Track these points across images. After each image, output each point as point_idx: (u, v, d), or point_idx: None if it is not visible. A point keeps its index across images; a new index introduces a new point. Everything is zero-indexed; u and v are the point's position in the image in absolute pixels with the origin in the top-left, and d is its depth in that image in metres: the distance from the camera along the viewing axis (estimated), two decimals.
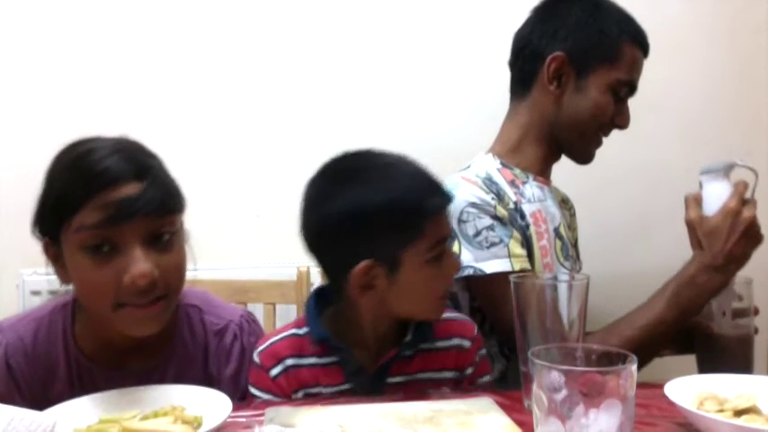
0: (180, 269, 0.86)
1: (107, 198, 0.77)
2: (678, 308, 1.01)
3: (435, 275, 0.89)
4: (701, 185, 1.01)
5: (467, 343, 0.98)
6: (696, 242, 1.01)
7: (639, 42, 1.17)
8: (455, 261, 0.94)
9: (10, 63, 1.55)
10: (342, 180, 0.89)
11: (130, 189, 0.78)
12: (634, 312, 1.05)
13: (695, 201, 1.00)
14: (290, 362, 0.93)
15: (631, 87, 1.18)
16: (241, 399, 0.93)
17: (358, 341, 0.93)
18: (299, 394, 0.93)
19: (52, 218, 0.81)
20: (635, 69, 1.17)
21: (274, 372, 0.93)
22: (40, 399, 0.81)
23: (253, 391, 0.94)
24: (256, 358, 0.94)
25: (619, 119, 1.18)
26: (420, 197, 0.88)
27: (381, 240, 0.86)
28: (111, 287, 0.79)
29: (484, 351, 1.01)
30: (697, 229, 0.99)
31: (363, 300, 0.89)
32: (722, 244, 0.97)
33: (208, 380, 0.91)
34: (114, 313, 0.81)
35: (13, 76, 1.55)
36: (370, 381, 0.93)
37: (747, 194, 0.98)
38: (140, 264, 0.78)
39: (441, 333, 0.97)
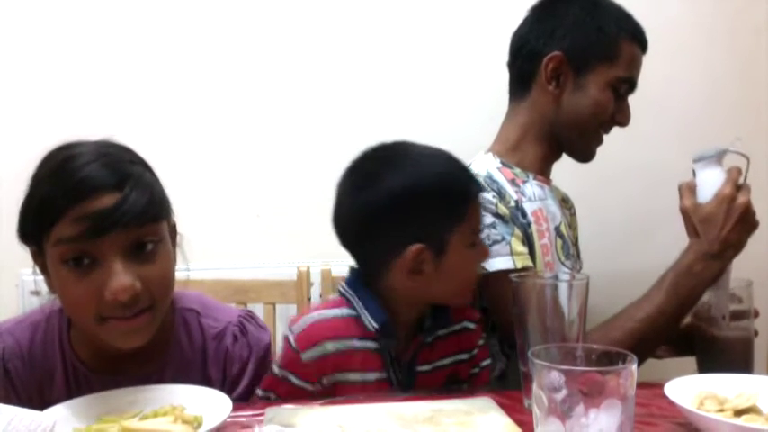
0: (164, 279, 0.83)
1: (84, 210, 0.75)
2: (677, 297, 1.01)
3: (473, 260, 0.94)
4: (693, 173, 1.01)
5: (472, 325, 1.00)
6: (692, 230, 1.01)
7: (638, 39, 1.17)
8: (486, 247, 0.98)
9: (9, 64, 1.55)
10: (389, 164, 0.90)
11: (108, 200, 0.75)
12: (634, 305, 1.05)
13: (689, 189, 1.01)
14: (329, 346, 0.90)
15: (631, 84, 1.18)
16: (244, 398, 0.92)
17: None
18: (325, 381, 0.91)
19: (34, 228, 0.79)
20: (634, 66, 1.17)
21: (307, 355, 0.90)
22: (36, 403, 0.81)
23: (276, 369, 0.92)
24: (291, 338, 0.91)
25: (619, 116, 1.18)
26: (464, 182, 0.92)
27: (431, 223, 0.88)
28: (92, 301, 0.77)
29: (484, 334, 1.04)
30: (692, 217, 1.00)
31: (410, 284, 0.90)
32: (718, 231, 0.97)
33: (206, 383, 0.90)
34: (98, 326, 0.79)
35: (12, 78, 1.55)
36: (404, 370, 0.94)
37: (740, 180, 0.98)
38: (120, 277, 0.76)
39: (452, 317, 0.99)
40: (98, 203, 0.75)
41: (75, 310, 0.82)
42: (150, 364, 0.90)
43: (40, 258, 0.82)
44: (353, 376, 0.92)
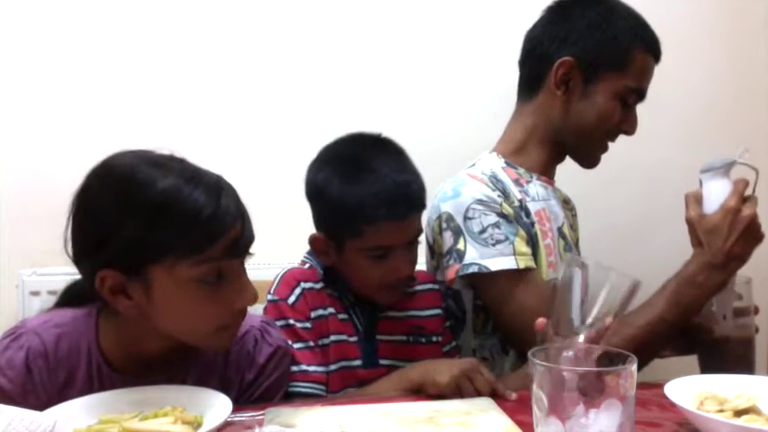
0: None
1: (228, 238, 0.83)
2: (679, 306, 1.00)
3: (375, 266, 1.03)
4: (701, 183, 1.01)
5: (437, 285, 1.16)
6: (696, 240, 1.00)
7: (652, 49, 1.15)
8: (404, 265, 1.05)
9: (12, 68, 1.55)
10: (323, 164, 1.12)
11: (239, 227, 0.86)
12: (635, 312, 1.04)
13: (695, 199, 1.00)
14: (305, 284, 1.07)
15: (640, 94, 1.16)
16: (264, 400, 0.93)
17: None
18: (313, 315, 1.05)
19: (136, 255, 0.81)
20: (645, 76, 1.16)
21: (292, 298, 1.05)
22: (55, 403, 0.81)
23: (279, 323, 1.03)
24: (273, 297, 1.06)
25: (625, 125, 1.17)
26: (365, 204, 1.00)
27: (329, 222, 1.07)
28: (220, 313, 0.85)
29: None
30: (697, 228, 0.99)
31: (325, 261, 1.09)
32: (722, 242, 0.97)
33: (226, 385, 0.91)
34: (212, 335, 0.86)
35: (15, 82, 1.54)
36: (366, 313, 1.09)
37: (748, 192, 0.98)
38: (251, 288, 0.87)
39: (418, 279, 1.15)
40: (235, 231, 0.85)
41: (196, 323, 0.85)
42: (176, 368, 0.91)
43: (117, 281, 0.82)
44: (326, 312, 1.07)
